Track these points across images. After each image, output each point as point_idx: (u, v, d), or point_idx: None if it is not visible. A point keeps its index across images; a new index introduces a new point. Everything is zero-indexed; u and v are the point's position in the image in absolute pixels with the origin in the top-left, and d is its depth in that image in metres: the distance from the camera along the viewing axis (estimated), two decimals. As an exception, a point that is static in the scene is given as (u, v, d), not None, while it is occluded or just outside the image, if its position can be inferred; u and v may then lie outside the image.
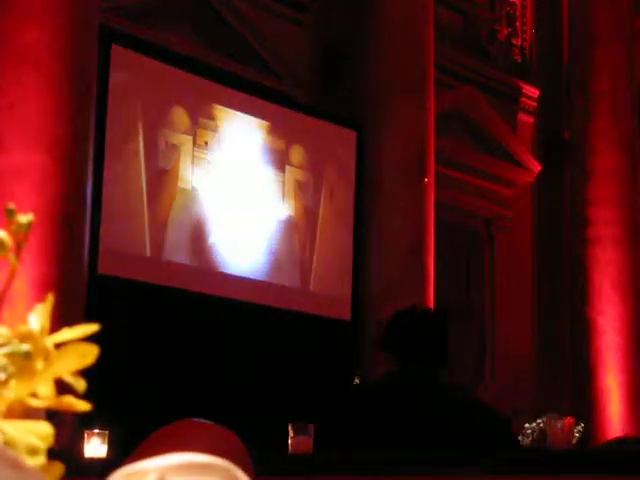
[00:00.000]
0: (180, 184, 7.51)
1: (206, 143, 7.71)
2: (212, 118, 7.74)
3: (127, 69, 7.18)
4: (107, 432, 3.73)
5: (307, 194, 8.40)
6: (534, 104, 11.33)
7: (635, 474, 2.23)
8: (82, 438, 3.70)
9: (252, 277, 7.89)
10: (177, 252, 7.47)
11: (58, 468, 0.59)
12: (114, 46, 7.08)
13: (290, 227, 8.26)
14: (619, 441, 6.10)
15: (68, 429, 4.00)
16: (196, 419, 1.12)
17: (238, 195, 7.92)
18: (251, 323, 7.74)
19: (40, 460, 0.57)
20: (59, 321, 0.62)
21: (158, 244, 7.32)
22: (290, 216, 8.26)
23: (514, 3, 11.29)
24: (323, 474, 2.47)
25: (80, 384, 0.60)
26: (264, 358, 7.68)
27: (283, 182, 8.26)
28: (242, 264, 7.84)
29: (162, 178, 7.39)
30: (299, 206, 8.35)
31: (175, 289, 7.34)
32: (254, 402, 7.23)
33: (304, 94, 8.91)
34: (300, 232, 8.33)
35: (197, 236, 7.64)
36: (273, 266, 8.03)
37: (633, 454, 2.69)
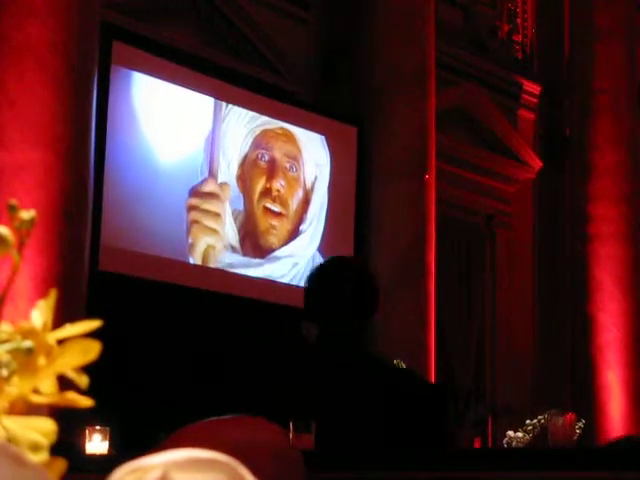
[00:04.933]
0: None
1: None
2: (212, 114, 7.75)
3: (128, 65, 7.18)
4: (108, 428, 3.73)
5: (307, 190, 8.40)
6: (535, 100, 11.33)
7: (637, 471, 2.23)
8: (84, 434, 3.70)
9: (253, 274, 7.89)
10: (178, 249, 7.47)
11: (60, 464, 0.59)
12: (115, 42, 7.08)
13: (290, 223, 8.26)
14: (623, 439, 6.09)
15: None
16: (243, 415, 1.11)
17: (238, 190, 7.93)
18: (252, 320, 7.74)
19: (43, 456, 0.57)
20: (60, 317, 0.62)
21: (159, 241, 7.32)
22: (290, 213, 8.26)
23: (515, -1, 11.29)
24: (325, 471, 2.47)
25: (83, 380, 0.60)
26: (265, 355, 7.68)
27: (283, 178, 8.27)
28: (242, 261, 7.84)
29: (164, 174, 7.39)
30: (299, 202, 8.34)
31: (176, 286, 7.34)
32: (255, 399, 7.21)
33: (305, 91, 8.91)
34: (300, 228, 8.33)
35: (197, 232, 7.65)
36: (273, 263, 8.03)
37: (634, 450, 2.69)
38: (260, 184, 8.08)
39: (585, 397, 9.40)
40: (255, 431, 1.03)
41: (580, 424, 7.37)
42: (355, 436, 2.56)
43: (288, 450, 1.07)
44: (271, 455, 1.01)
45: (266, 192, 8.12)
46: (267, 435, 1.04)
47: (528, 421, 7.68)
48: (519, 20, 11.29)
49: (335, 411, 2.63)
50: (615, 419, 9.25)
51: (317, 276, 2.81)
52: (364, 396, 2.65)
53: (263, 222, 8.08)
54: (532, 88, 11.28)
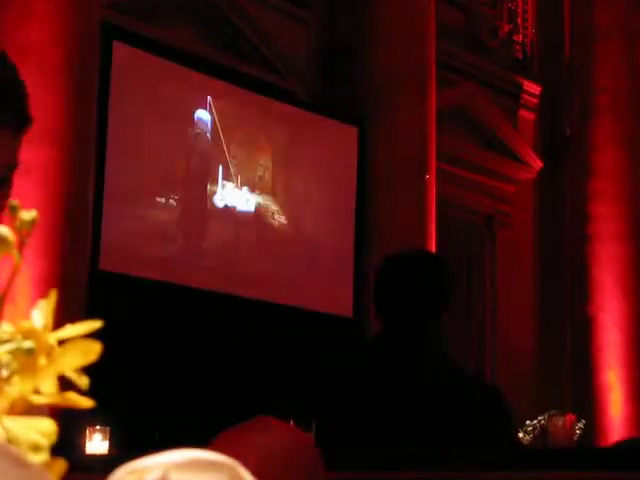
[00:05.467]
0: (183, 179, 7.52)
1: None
2: (212, 114, 7.75)
3: (128, 66, 7.18)
4: (109, 429, 3.73)
5: (308, 190, 8.39)
6: (535, 101, 11.33)
7: (636, 471, 2.23)
8: (84, 435, 3.70)
9: (253, 273, 7.89)
10: (179, 249, 7.47)
11: (61, 465, 0.59)
12: (115, 43, 7.07)
13: (291, 223, 8.26)
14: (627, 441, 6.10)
15: None
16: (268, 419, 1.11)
17: (240, 191, 7.93)
18: (252, 320, 7.74)
19: (43, 457, 0.57)
20: (61, 317, 0.62)
21: (160, 240, 7.32)
22: (290, 212, 8.26)
23: (515, -1, 11.29)
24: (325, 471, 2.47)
25: (83, 381, 0.60)
26: (265, 355, 7.68)
27: (284, 178, 8.27)
28: (243, 261, 7.84)
29: (165, 174, 7.39)
30: (300, 202, 8.35)
31: (176, 285, 7.34)
32: (254, 399, 7.23)
33: (305, 91, 8.91)
34: (301, 228, 8.33)
35: (199, 232, 7.65)
36: (274, 263, 8.03)
37: (635, 451, 2.69)
38: (260, 183, 8.09)
39: (585, 397, 9.40)
40: (279, 434, 1.03)
41: (580, 424, 7.37)
42: (389, 438, 2.49)
43: (313, 453, 1.07)
44: (296, 458, 1.01)
45: (266, 191, 8.12)
46: (290, 438, 1.05)
47: (528, 422, 7.68)
48: (519, 20, 11.29)
49: (382, 409, 2.54)
50: (615, 419, 9.25)
51: (381, 270, 2.65)
52: (416, 397, 2.52)
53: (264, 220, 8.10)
54: (532, 88, 11.28)
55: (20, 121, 1.46)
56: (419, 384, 2.56)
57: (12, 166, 1.47)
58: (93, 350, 0.59)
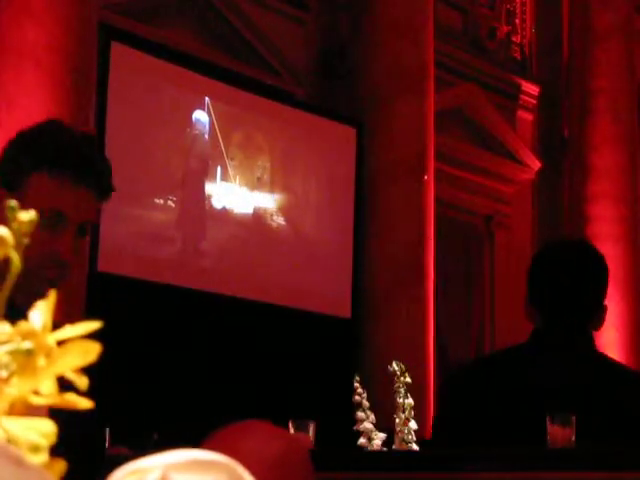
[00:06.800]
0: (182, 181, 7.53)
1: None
2: (210, 115, 7.75)
3: (127, 66, 7.18)
4: (107, 430, 3.72)
5: (306, 191, 8.40)
6: (534, 101, 11.33)
7: (635, 471, 2.22)
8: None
9: (252, 275, 7.89)
10: (178, 250, 7.47)
11: (60, 465, 0.59)
12: (114, 43, 7.07)
13: (289, 224, 8.26)
14: None
15: None
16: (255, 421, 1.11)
17: (238, 192, 7.93)
18: (251, 321, 7.74)
19: (42, 458, 0.57)
20: (60, 318, 0.62)
21: (158, 242, 7.32)
22: (289, 213, 8.26)
23: (514, 0, 11.29)
24: (324, 471, 2.47)
25: (82, 381, 0.60)
26: (263, 356, 7.68)
27: (282, 179, 8.27)
28: (241, 262, 7.84)
29: (163, 176, 7.39)
30: (298, 203, 8.35)
31: (175, 287, 7.34)
32: (253, 400, 7.23)
33: (304, 92, 8.91)
34: (299, 229, 8.33)
35: (198, 234, 7.65)
36: (273, 264, 8.03)
37: (633, 451, 2.68)
38: (258, 184, 8.09)
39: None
40: (270, 439, 1.03)
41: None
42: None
43: (303, 457, 1.07)
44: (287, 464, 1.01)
45: (264, 192, 8.12)
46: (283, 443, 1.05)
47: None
48: (518, 21, 11.29)
49: (535, 408, 2.46)
50: (614, 420, 9.24)
51: (537, 259, 2.53)
52: (575, 397, 2.45)
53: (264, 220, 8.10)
54: (531, 89, 11.28)
55: (102, 189, 1.89)
56: (581, 384, 2.47)
57: (92, 220, 1.90)
58: (92, 351, 0.59)
